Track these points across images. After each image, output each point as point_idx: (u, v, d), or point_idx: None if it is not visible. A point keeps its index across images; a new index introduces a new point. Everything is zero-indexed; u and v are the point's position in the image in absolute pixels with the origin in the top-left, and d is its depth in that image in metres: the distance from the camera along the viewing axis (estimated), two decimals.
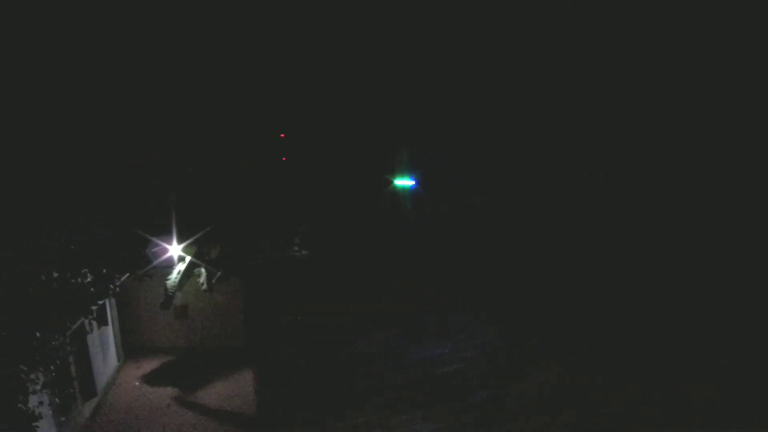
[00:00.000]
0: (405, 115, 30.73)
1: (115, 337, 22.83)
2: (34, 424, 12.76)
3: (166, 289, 21.73)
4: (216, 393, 21.31)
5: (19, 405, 12.64)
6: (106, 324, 21.90)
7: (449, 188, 33.79)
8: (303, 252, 25.73)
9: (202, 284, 23.14)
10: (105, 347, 21.57)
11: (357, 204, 29.49)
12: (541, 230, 32.55)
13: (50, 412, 15.32)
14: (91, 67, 16.90)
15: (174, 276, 22.06)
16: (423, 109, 30.83)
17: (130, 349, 24.12)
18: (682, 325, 24.51)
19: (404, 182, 32.71)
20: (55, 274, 14.83)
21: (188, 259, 22.53)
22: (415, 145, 32.44)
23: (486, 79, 30.14)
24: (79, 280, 15.90)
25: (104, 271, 17.12)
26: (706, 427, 17.30)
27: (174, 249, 21.72)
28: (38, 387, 13.69)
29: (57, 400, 15.68)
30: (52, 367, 14.53)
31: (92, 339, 19.92)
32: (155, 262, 21.79)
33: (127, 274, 20.67)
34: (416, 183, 32.94)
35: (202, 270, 23.10)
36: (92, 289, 16.51)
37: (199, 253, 22.86)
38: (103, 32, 16.94)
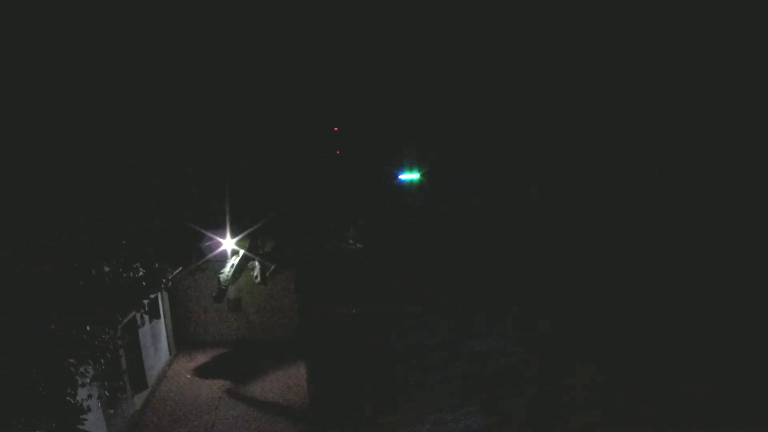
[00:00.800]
0: (408, 113, 30.61)
1: (167, 330, 23.00)
2: (82, 416, 12.77)
3: (219, 282, 21.82)
4: (268, 386, 21.23)
5: (68, 398, 12.67)
6: (159, 317, 22.07)
7: (449, 188, 33.49)
8: (358, 245, 25.58)
9: (256, 277, 23.18)
10: (157, 340, 21.74)
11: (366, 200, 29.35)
12: (542, 230, 32.09)
13: (99, 404, 15.41)
14: (107, 66, 16.93)
15: (227, 269, 22.14)
16: (425, 109, 30.65)
17: (183, 342, 24.28)
18: (683, 324, 23.74)
19: (410, 176, 32.66)
20: (107, 268, 14.90)
21: (242, 252, 22.55)
22: (418, 142, 32.27)
23: (486, 79, 29.81)
24: (131, 274, 15.95)
25: (156, 265, 17.15)
26: (706, 427, 16.73)
27: (227, 243, 21.77)
28: (87, 380, 13.73)
29: (106, 393, 15.76)
30: (102, 361, 14.61)
31: (144, 332, 20.07)
32: (208, 256, 21.92)
33: (180, 269, 20.78)
34: (421, 176, 32.84)
35: (256, 263, 23.14)
36: (144, 284, 16.56)
37: (252, 246, 22.88)
38: (106, 30, 16.92)
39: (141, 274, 16.54)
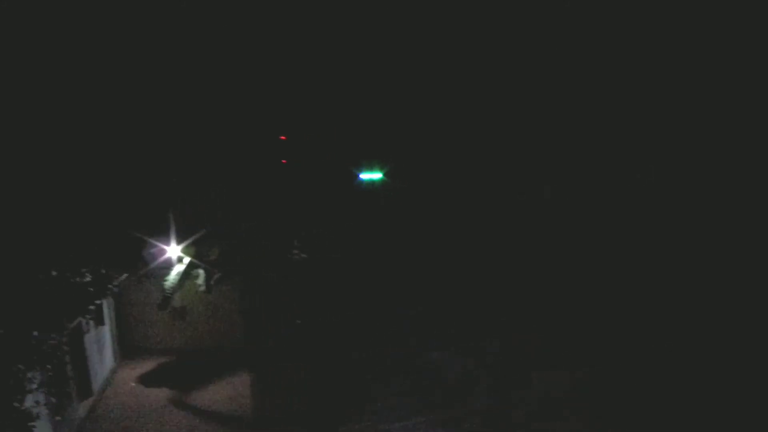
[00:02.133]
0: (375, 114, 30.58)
1: (112, 337, 22.80)
2: (30, 423, 12.68)
3: (164, 289, 21.72)
4: (212, 395, 21.20)
5: (15, 404, 12.58)
6: (104, 324, 21.86)
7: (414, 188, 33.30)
8: (302, 255, 25.65)
9: (201, 285, 23.11)
10: (102, 347, 21.53)
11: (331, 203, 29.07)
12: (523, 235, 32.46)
13: (46, 411, 15.25)
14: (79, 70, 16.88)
15: (172, 277, 22.03)
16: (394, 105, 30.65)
17: (128, 349, 24.09)
18: (679, 326, 24.56)
19: (371, 176, 31.88)
20: (54, 273, 14.81)
21: (187, 260, 22.49)
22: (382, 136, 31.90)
23: (462, 75, 30.09)
24: (78, 279, 15.85)
25: (103, 271, 17.07)
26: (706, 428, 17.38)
27: (173, 250, 21.71)
28: (35, 386, 13.62)
29: (53, 399, 15.60)
30: (49, 367, 14.51)
31: (89, 339, 19.89)
32: (153, 263, 21.80)
33: (126, 275, 20.66)
34: (384, 176, 32.07)
35: (201, 271, 23.07)
36: (90, 289, 16.46)
37: (198, 254, 22.80)
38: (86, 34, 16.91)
39: (88, 279, 16.46)
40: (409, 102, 30.47)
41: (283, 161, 25.53)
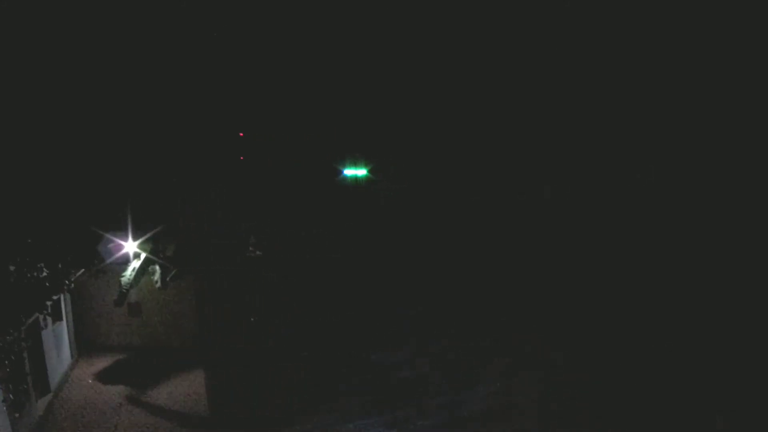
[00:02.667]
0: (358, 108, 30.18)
1: (69, 333, 22.58)
2: None
3: (120, 285, 21.59)
4: (168, 393, 21.18)
5: None
6: (61, 320, 21.65)
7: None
8: (257, 253, 25.64)
9: (157, 282, 23.00)
10: (59, 343, 21.34)
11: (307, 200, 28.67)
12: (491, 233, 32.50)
13: (4, 408, 15.14)
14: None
15: (128, 273, 21.89)
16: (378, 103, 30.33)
17: (85, 345, 23.86)
18: (679, 326, 24.70)
19: (355, 171, 30.80)
20: (12, 268, 14.70)
21: (144, 255, 22.35)
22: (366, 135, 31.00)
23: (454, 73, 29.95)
24: (35, 274, 15.74)
25: (60, 265, 16.96)
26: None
27: (129, 245, 21.56)
28: None
29: (11, 396, 15.47)
30: (6, 363, 14.39)
31: (47, 335, 19.70)
32: (110, 259, 21.62)
33: (82, 270, 20.48)
34: (368, 172, 31.03)
35: (157, 267, 22.94)
36: (47, 284, 16.36)
37: (154, 250, 22.66)
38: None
39: (45, 274, 16.35)
40: (406, 99, 30.21)
41: (241, 158, 25.38)
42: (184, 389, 21.43)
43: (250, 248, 25.33)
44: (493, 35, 28.53)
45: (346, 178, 30.72)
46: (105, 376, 22.17)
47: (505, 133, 31.49)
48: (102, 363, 23.12)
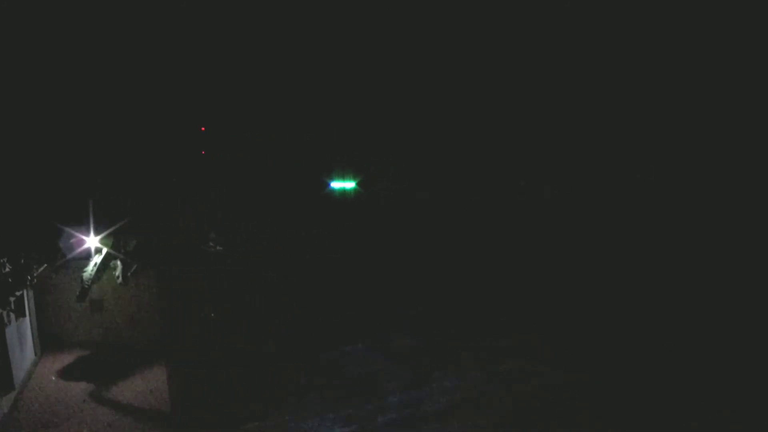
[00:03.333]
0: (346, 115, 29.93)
1: (32, 329, 22.30)
2: None
3: (82, 281, 21.46)
4: (131, 389, 21.01)
5: None
6: (24, 316, 21.39)
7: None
8: (218, 248, 25.68)
9: (118, 277, 22.91)
10: (23, 340, 21.07)
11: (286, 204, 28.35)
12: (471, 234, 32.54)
13: None
14: None
15: (90, 268, 21.77)
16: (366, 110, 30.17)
17: (48, 342, 23.55)
18: (679, 326, 25.15)
19: (343, 184, 30.21)
20: None
21: (105, 250, 22.24)
22: (355, 145, 31.06)
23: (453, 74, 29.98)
24: None
25: (22, 261, 16.85)
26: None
27: (91, 240, 21.44)
28: None
29: None
30: None
31: (10, 331, 19.46)
32: (71, 254, 21.48)
33: (45, 265, 20.31)
34: (357, 185, 30.35)
35: (119, 262, 22.84)
36: (10, 280, 16.25)
37: (116, 245, 22.56)
38: None
39: (7, 270, 16.24)
40: (406, 99, 30.04)
41: (203, 152, 25.42)
42: (147, 386, 21.28)
43: (210, 243, 25.37)
44: (493, 35, 28.66)
45: (333, 191, 30.26)
46: (68, 373, 21.94)
47: (505, 133, 31.69)
48: (65, 359, 22.88)
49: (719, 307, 25.57)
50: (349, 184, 30.34)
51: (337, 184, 30.13)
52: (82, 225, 20.91)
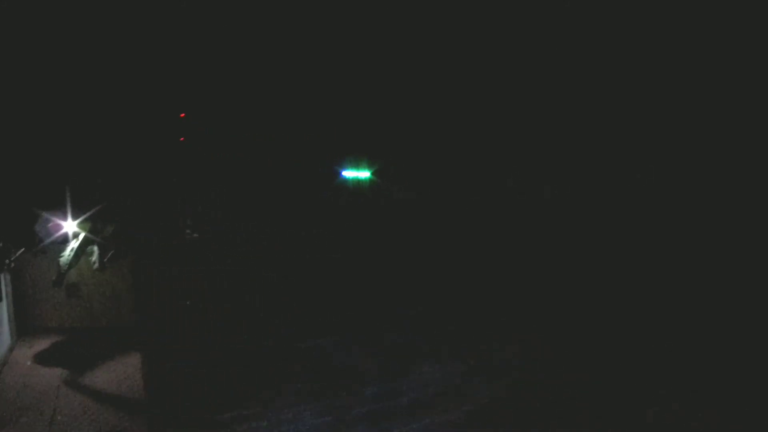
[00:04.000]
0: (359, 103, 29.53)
1: (9, 314, 22.15)
2: None
3: (59, 266, 21.35)
4: (106, 376, 20.90)
5: None
6: (1, 300, 21.23)
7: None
8: (194, 235, 25.65)
9: (94, 262, 22.80)
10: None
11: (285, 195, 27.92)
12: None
13: None
14: None
15: (67, 253, 21.66)
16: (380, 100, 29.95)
17: (24, 327, 23.41)
18: (679, 326, 25.05)
19: (357, 173, 29.16)
20: None
21: (82, 235, 22.12)
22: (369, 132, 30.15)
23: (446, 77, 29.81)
24: None
25: (0, 244, 16.76)
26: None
27: (69, 225, 21.32)
28: None
29: None
30: None
31: None
32: (49, 239, 21.36)
33: (22, 249, 20.17)
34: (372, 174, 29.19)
35: (96, 248, 22.73)
36: None
37: (93, 229, 22.44)
38: None
39: None
40: (405, 99, 29.76)
41: (182, 138, 25.32)
42: (122, 372, 21.18)
43: (187, 231, 25.34)
44: (494, 35, 28.54)
45: (346, 180, 29.27)
46: (44, 359, 21.83)
47: (505, 133, 31.58)
48: (41, 345, 22.76)
49: (719, 307, 25.58)
50: (364, 174, 29.41)
51: (350, 173, 29.21)
52: (60, 210, 20.78)
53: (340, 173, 29.03)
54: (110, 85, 20.54)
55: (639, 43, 28.28)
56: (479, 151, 32.13)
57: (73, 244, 21.91)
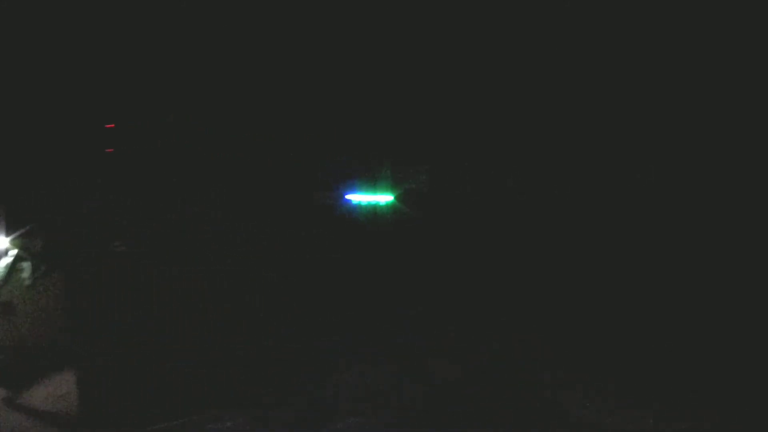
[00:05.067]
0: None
1: None
2: None
3: None
4: (42, 394, 20.99)
5: None
6: None
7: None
8: (122, 247, 25.54)
9: (27, 279, 22.51)
10: None
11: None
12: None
13: None
14: None
15: (0, 270, 21.36)
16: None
17: None
18: (679, 327, 24.04)
19: (373, 197, 24.10)
20: None
21: (14, 252, 21.84)
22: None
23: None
24: None
25: None
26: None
27: (2, 241, 21.05)
28: None
29: None
30: None
31: None
32: None
33: None
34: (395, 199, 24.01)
35: (28, 264, 22.43)
36: None
37: (25, 245, 22.18)
38: None
39: None
40: (403, 98, 29.45)
41: (109, 150, 25.15)
42: (56, 390, 21.15)
43: (116, 243, 25.18)
44: (493, 35, 28.81)
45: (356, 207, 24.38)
46: None
47: (504, 132, 31.66)
48: None
49: (720, 307, 24.59)
50: (385, 198, 23.99)
51: (359, 198, 24.16)
52: None
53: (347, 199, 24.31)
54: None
55: (639, 43, 28.49)
56: (479, 151, 32.28)
57: (6, 261, 21.63)
